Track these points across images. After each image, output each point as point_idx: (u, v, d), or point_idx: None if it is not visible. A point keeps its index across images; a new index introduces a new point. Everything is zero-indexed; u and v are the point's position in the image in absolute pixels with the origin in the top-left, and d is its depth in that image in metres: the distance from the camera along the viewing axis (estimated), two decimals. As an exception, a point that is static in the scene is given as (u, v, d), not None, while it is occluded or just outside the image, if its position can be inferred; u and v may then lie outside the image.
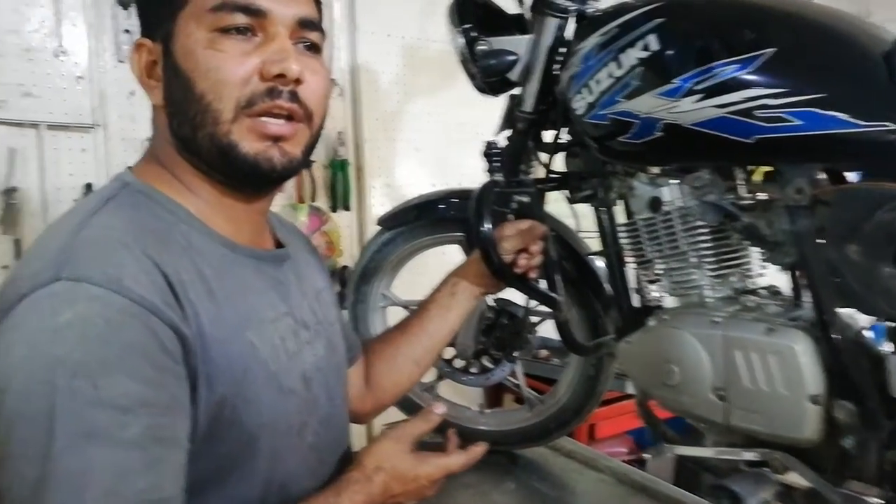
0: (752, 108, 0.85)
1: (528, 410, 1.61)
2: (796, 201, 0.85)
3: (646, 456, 1.06)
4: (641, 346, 1.06)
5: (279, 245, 0.83)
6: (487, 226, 0.98)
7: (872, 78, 0.82)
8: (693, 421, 1.03)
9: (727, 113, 0.87)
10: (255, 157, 0.67)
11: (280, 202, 2.00)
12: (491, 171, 1.08)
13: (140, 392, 0.55)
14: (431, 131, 2.19)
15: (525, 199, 1.22)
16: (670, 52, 0.92)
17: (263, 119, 0.67)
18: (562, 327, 1.25)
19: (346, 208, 2.05)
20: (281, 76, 0.66)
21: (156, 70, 0.70)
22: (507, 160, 1.25)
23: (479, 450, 0.81)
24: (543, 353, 2.31)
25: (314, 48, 0.72)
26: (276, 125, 0.68)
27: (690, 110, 0.90)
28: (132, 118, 1.81)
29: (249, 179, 0.70)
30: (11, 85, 1.66)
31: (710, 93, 0.88)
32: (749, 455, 0.94)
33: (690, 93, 0.90)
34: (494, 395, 2.32)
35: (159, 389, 0.56)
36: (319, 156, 2.02)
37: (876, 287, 0.78)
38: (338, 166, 2.01)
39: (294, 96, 0.68)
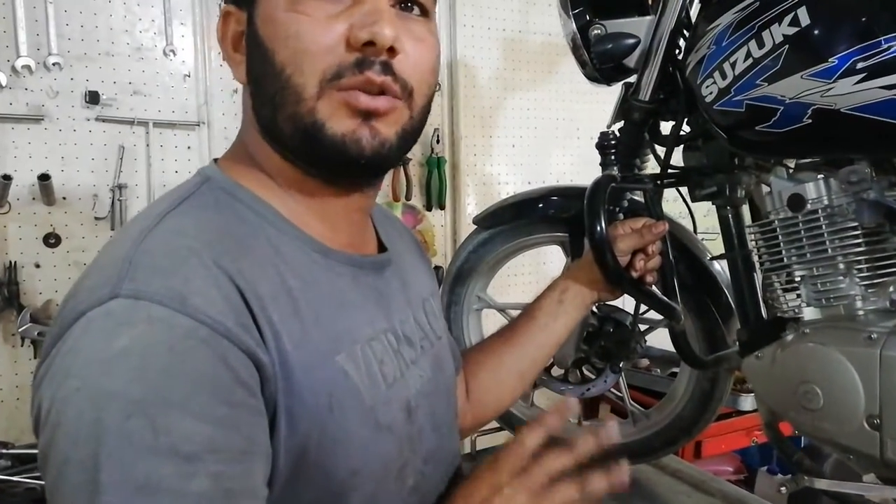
0: (932, 88, 0.72)
1: (631, 425, 1.51)
2: None
3: (776, 480, 0.93)
4: (775, 363, 0.93)
5: (382, 247, 0.73)
6: (602, 224, 0.89)
7: None
8: (836, 451, 0.90)
9: (897, 94, 0.75)
10: (342, 138, 0.57)
11: (378, 201, 1.97)
12: (605, 164, 0.99)
13: (208, 435, 0.46)
14: (529, 128, 2.11)
15: (640, 196, 1.12)
16: (825, 27, 0.80)
17: (354, 91, 0.56)
18: (678, 338, 1.14)
19: (441, 207, 2.00)
20: (370, 44, 0.55)
21: (242, 43, 0.61)
22: (622, 154, 1.16)
23: (592, 442, 0.65)
24: (644, 362, 2.18)
25: (422, 10, 0.61)
26: (367, 98, 0.56)
27: (849, 93, 0.78)
28: (235, 116, 1.83)
29: (334, 166, 0.60)
30: (122, 83, 1.72)
31: (876, 72, 0.76)
32: (911, 495, 0.80)
33: (850, 73, 0.78)
34: (590, 406, 2.21)
35: (232, 431, 0.47)
36: (415, 153, 1.98)
37: None
38: (434, 164, 1.96)
39: (387, 68, 0.56)
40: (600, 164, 1.00)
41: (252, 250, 0.55)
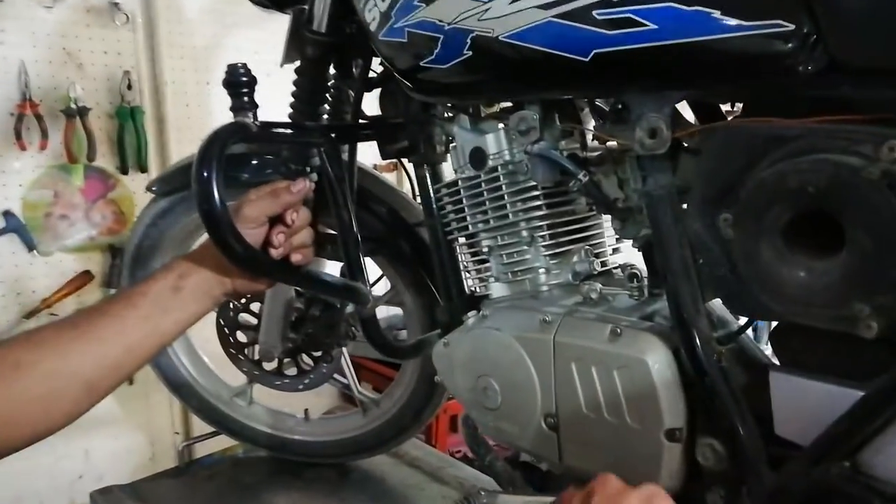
0: (590, 7, 0.56)
1: (361, 415, 1.34)
2: (650, 148, 0.57)
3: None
4: (457, 351, 0.77)
5: None
6: (214, 190, 0.65)
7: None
8: (529, 455, 0.77)
9: (555, 16, 0.59)
10: None
11: (45, 163, 1.56)
12: (236, 108, 0.75)
13: None
14: (257, 73, 1.78)
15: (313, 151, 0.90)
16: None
17: None
18: (367, 324, 0.95)
19: (143, 169, 1.64)
20: None
21: None
22: (300, 98, 0.95)
23: None
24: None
25: None
26: None
27: (506, 15, 0.62)
28: None
29: None
30: None
31: (532, -13, 0.59)
32: None
33: (506, -12, 0.60)
34: (350, 400, 2.01)
35: None
36: (100, 101, 1.59)
37: (755, 273, 0.52)
38: (126, 115, 1.59)
39: None
40: (231, 109, 0.76)
41: None
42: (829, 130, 0.46)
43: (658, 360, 0.60)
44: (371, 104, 0.97)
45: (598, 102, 0.72)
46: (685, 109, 0.65)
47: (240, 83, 0.74)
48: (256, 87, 0.76)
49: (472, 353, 0.75)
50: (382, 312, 1.36)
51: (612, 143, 0.73)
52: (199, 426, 1.60)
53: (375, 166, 1.36)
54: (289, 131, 0.83)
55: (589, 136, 0.74)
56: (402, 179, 1.65)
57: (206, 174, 0.66)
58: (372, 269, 1.10)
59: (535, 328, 0.69)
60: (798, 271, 0.47)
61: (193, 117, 1.71)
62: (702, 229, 0.55)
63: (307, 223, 0.74)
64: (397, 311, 1.45)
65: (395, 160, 1.67)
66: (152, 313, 0.67)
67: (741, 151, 0.51)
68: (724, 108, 0.67)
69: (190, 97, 1.71)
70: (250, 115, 0.75)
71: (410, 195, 1.12)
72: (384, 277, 1.19)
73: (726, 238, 0.53)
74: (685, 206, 0.59)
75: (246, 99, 0.74)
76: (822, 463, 0.49)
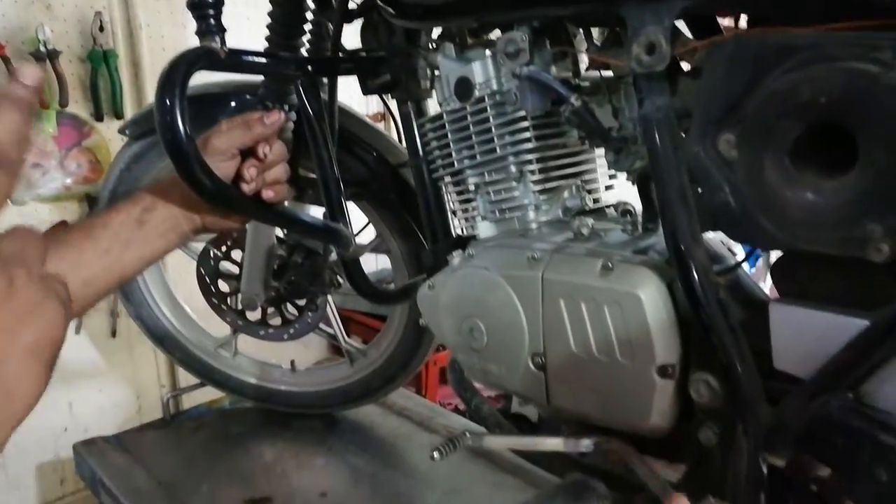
0: None
1: (348, 365, 1.32)
2: (647, 65, 0.53)
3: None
4: (442, 293, 0.74)
5: None
6: (177, 118, 0.60)
7: None
8: (516, 396, 0.74)
9: (545, -79, 0.53)
10: None
11: None
12: (202, 32, 0.70)
13: None
14: (238, 16, 1.69)
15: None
16: None
17: None
18: (350, 268, 0.92)
19: (118, 116, 1.57)
20: None
21: None
22: (276, 31, 0.90)
23: None
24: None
25: None
26: None
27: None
28: None
29: None
30: None
31: None
32: (583, 445, 0.66)
33: None
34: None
35: None
36: (71, 44, 1.51)
37: (758, 197, 0.49)
38: (99, 59, 1.52)
39: None
40: (196, 33, 0.70)
41: None
42: (846, 38, 0.42)
43: (651, 295, 0.57)
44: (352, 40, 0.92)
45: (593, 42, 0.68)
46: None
47: (205, 3, 0.69)
48: (223, 9, 0.71)
49: (457, 294, 0.72)
50: (371, 268, 1.33)
51: (607, 73, 0.69)
52: (186, 378, 1.58)
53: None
54: (261, 60, 0.78)
55: (583, 63, 0.70)
56: (390, 129, 1.60)
57: (168, 102, 0.61)
58: (358, 217, 1.07)
59: (523, 265, 0.65)
60: (805, 192, 0.44)
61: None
62: (702, 153, 0.52)
63: (281, 159, 0.69)
64: (385, 265, 1.43)
65: (381, 113, 1.61)
66: (113, 247, 0.63)
67: (749, 65, 0.47)
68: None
69: (166, 41, 1.63)
70: (217, 39, 0.69)
71: (396, 138, 1.08)
72: (370, 225, 1.16)
73: (728, 160, 0.49)
74: (681, 128, 0.55)
75: (213, 21, 0.69)
76: (823, 395, 0.47)
